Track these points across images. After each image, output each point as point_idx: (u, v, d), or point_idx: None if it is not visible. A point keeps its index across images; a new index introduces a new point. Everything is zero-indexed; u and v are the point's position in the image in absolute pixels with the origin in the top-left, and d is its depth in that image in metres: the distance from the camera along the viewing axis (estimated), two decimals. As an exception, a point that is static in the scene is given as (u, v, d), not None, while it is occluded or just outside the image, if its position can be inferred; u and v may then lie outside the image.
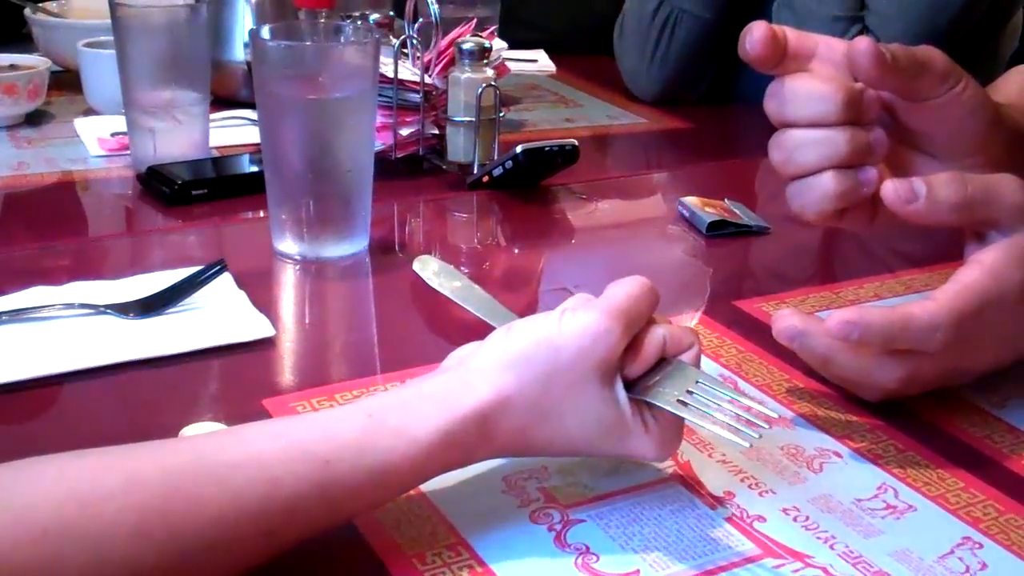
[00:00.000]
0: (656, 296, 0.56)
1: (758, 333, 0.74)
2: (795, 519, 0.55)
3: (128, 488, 0.44)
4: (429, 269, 0.66)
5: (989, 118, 0.64)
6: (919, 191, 0.60)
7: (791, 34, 0.64)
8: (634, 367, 0.54)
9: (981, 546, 0.53)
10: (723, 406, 0.53)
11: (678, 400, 0.53)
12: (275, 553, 0.47)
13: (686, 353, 0.56)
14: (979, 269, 0.60)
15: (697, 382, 0.54)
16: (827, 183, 0.62)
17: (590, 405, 0.52)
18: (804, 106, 0.62)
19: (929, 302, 0.59)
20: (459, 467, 0.53)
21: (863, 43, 0.60)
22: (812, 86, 0.62)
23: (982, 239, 0.62)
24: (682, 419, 0.54)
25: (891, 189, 0.60)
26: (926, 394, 0.65)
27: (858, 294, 0.80)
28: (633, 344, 0.54)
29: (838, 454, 0.60)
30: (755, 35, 0.63)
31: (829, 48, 0.64)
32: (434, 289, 0.65)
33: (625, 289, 0.55)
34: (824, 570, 0.51)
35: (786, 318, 0.62)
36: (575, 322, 0.53)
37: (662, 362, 0.55)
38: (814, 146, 0.62)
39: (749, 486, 0.57)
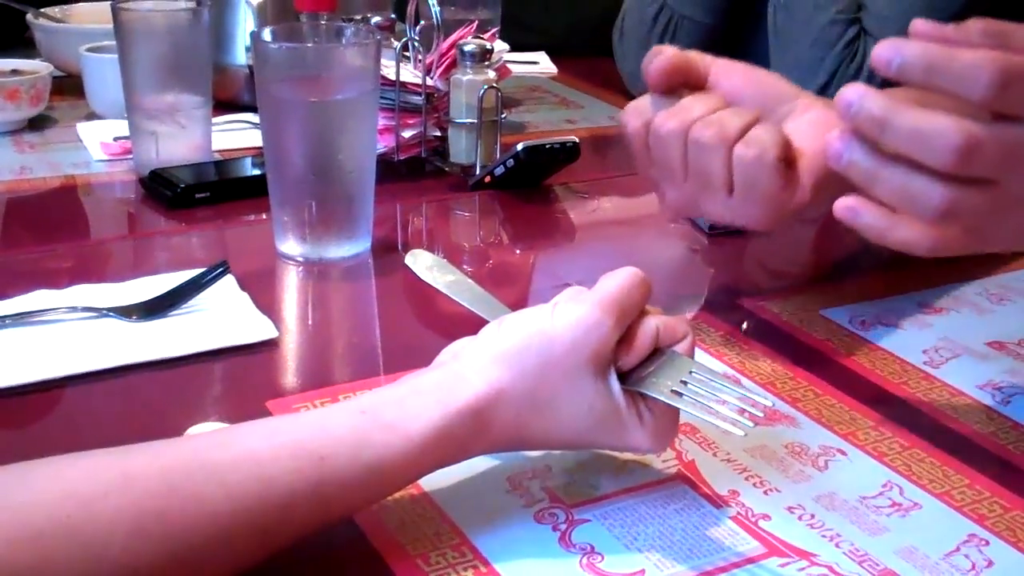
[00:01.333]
0: (648, 287, 0.56)
1: (761, 331, 0.74)
2: (800, 517, 0.54)
3: (125, 487, 0.44)
4: (422, 263, 0.66)
5: None
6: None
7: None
8: (628, 358, 0.54)
9: (987, 543, 0.53)
10: (718, 396, 0.53)
11: (672, 390, 0.53)
12: (271, 551, 0.47)
13: (680, 344, 0.56)
14: None
15: (691, 372, 0.54)
16: None
17: (584, 397, 0.52)
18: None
19: None
20: (455, 462, 0.53)
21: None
22: None
23: None
24: (677, 410, 0.54)
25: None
26: (931, 390, 0.65)
27: (861, 290, 0.80)
28: (626, 335, 0.54)
29: (843, 452, 0.60)
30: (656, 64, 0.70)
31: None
32: (431, 286, 0.64)
33: (617, 281, 0.55)
34: (830, 568, 0.51)
35: (838, 134, 0.56)
36: (568, 314, 0.53)
37: (656, 353, 0.55)
38: None
39: (754, 484, 0.57)
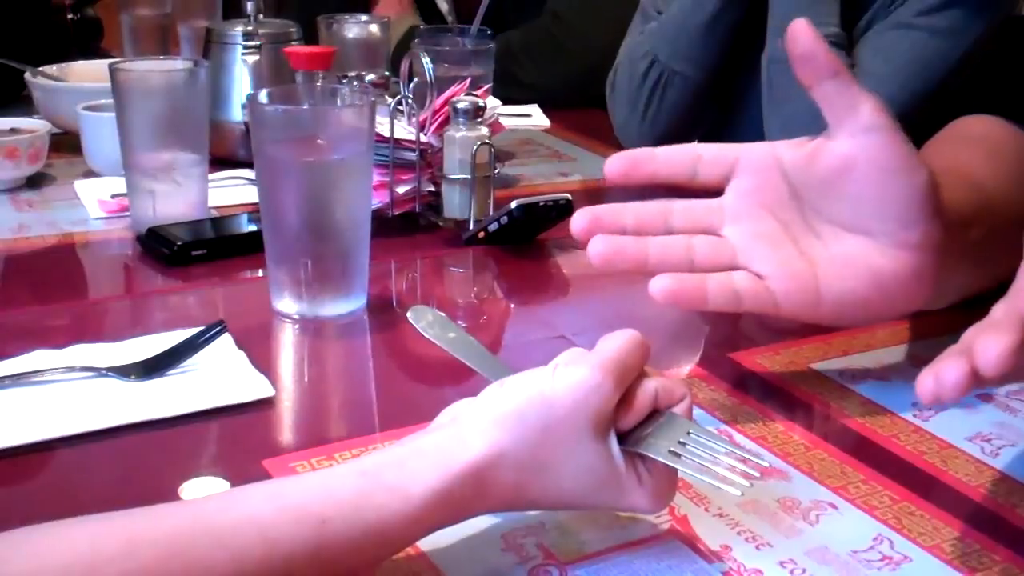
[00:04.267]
0: (647, 349, 0.57)
1: (752, 385, 0.75)
2: (792, 572, 0.55)
3: (129, 554, 0.45)
4: (424, 320, 0.67)
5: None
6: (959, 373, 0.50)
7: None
8: (626, 420, 0.55)
9: (977, 596, 0.54)
10: (715, 456, 0.54)
11: (670, 451, 0.54)
12: None
13: (678, 405, 0.57)
14: None
15: (689, 433, 0.55)
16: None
17: (584, 459, 0.53)
18: None
19: None
20: (455, 522, 0.53)
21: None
22: None
23: None
24: (675, 470, 0.55)
25: (928, 391, 0.51)
26: (921, 443, 0.66)
27: (850, 343, 0.81)
28: (625, 397, 0.55)
29: (834, 505, 0.61)
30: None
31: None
32: (431, 344, 0.65)
33: (616, 343, 0.56)
34: (821, 623, 0.51)
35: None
36: (568, 377, 0.53)
37: (654, 414, 0.56)
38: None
39: (746, 539, 0.57)
